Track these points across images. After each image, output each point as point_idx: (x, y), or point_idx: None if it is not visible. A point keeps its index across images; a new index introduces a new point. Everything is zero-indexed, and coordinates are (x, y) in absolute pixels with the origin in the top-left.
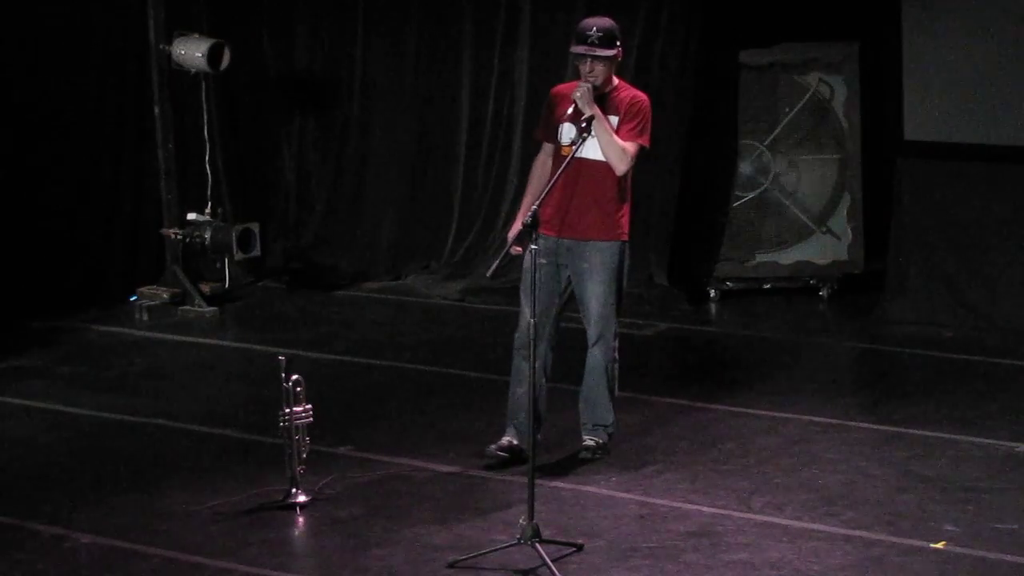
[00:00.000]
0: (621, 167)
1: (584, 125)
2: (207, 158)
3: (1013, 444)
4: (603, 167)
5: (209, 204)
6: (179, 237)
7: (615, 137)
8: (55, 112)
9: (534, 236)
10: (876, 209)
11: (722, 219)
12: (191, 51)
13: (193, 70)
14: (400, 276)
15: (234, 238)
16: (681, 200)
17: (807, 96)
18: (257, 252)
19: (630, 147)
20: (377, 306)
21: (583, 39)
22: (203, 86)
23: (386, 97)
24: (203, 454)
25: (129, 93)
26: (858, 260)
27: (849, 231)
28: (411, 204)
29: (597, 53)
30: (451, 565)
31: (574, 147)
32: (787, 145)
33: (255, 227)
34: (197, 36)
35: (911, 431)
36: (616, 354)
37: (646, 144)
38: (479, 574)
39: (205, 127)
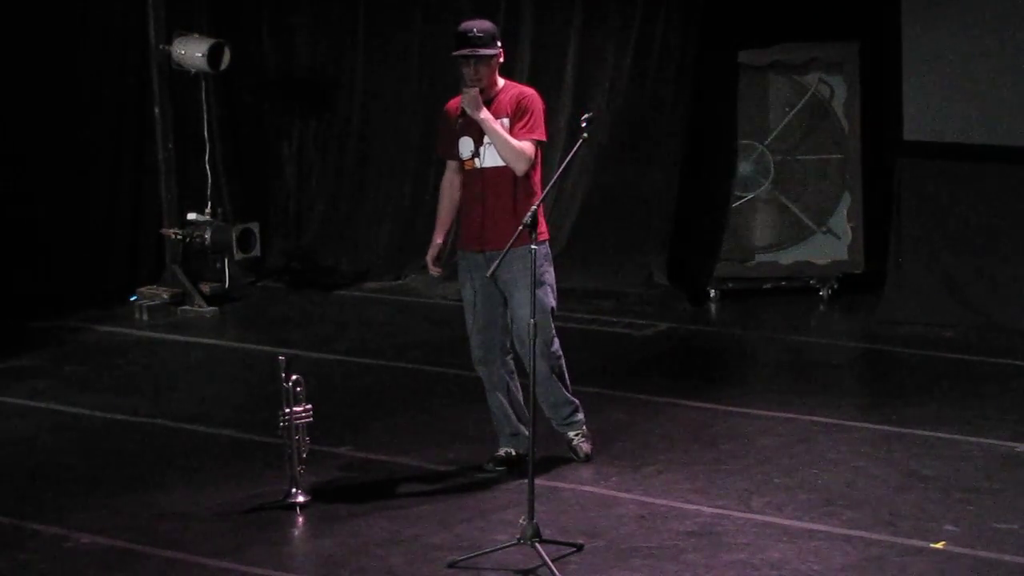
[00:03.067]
0: (521, 167)
1: (584, 125)
2: (207, 158)
3: (1013, 444)
4: (507, 172)
5: (209, 204)
6: (179, 237)
7: (509, 139)
8: (55, 112)
9: (534, 236)
10: (876, 209)
11: (722, 219)
12: (191, 51)
13: (193, 70)
14: (400, 276)
15: (234, 238)
16: (681, 200)
17: (807, 96)
18: (257, 252)
19: (526, 146)
20: (377, 306)
21: (464, 41)
22: (203, 86)
23: (386, 97)
24: (203, 454)
25: (129, 93)
26: (858, 260)
27: (849, 231)
28: (411, 204)
29: (479, 53)
30: (451, 565)
31: (476, 159)
32: (787, 145)
33: (255, 227)
34: (197, 36)
35: (911, 431)
36: (558, 351)
37: (541, 138)
38: (479, 574)
39: (205, 127)
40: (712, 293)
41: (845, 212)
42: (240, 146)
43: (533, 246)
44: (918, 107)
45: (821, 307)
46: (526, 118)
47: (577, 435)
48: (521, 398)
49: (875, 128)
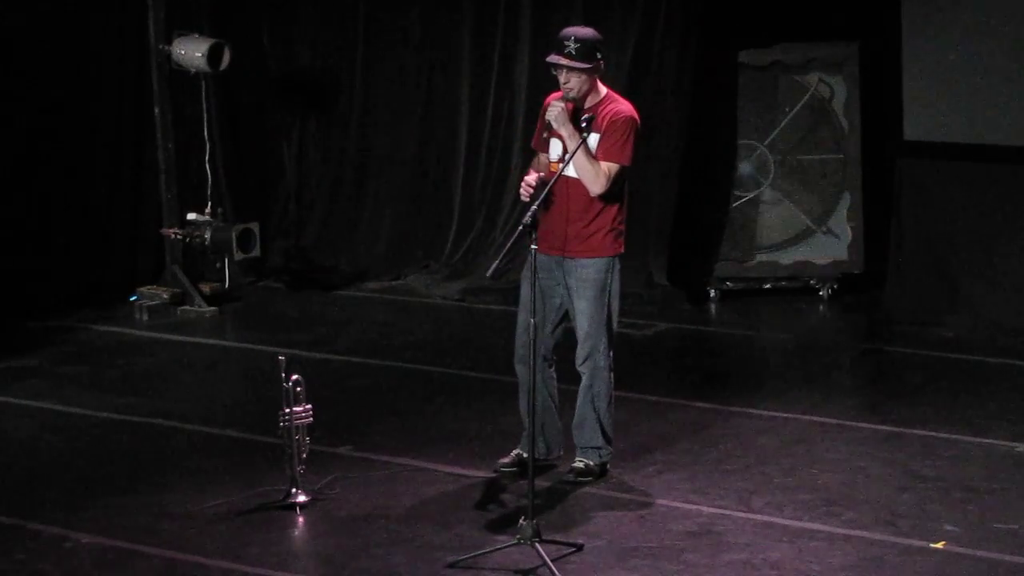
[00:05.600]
0: (595, 189)
1: (584, 125)
2: (207, 158)
3: (1013, 444)
4: (583, 186)
5: (209, 204)
6: (179, 237)
7: (588, 161)
8: (55, 112)
9: (534, 236)
10: (876, 209)
11: (722, 219)
12: (191, 51)
13: (193, 70)
14: (400, 276)
15: (234, 238)
16: (681, 200)
17: (807, 96)
18: (257, 252)
19: (604, 168)
20: (377, 306)
21: (559, 47)
22: (203, 86)
23: (386, 97)
24: (203, 454)
25: (129, 93)
26: (858, 260)
27: (849, 231)
28: (411, 204)
29: (570, 64)
30: (451, 565)
31: (560, 164)
32: (787, 145)
33: (255, 227)
34: (197, 36)
35: (911, 431)
36: (609, 373)
37: (624, 163)
38: (479, 574)
39: (205, 127)
40: (712, 293)
41: (845, 212)
42: (240, 146)
43: (533, 246)
44: (918, 107)
45: (821, 307)
46: (612, 139)
47: (581, 463)
48: (554, 410)
49: (875, 128)
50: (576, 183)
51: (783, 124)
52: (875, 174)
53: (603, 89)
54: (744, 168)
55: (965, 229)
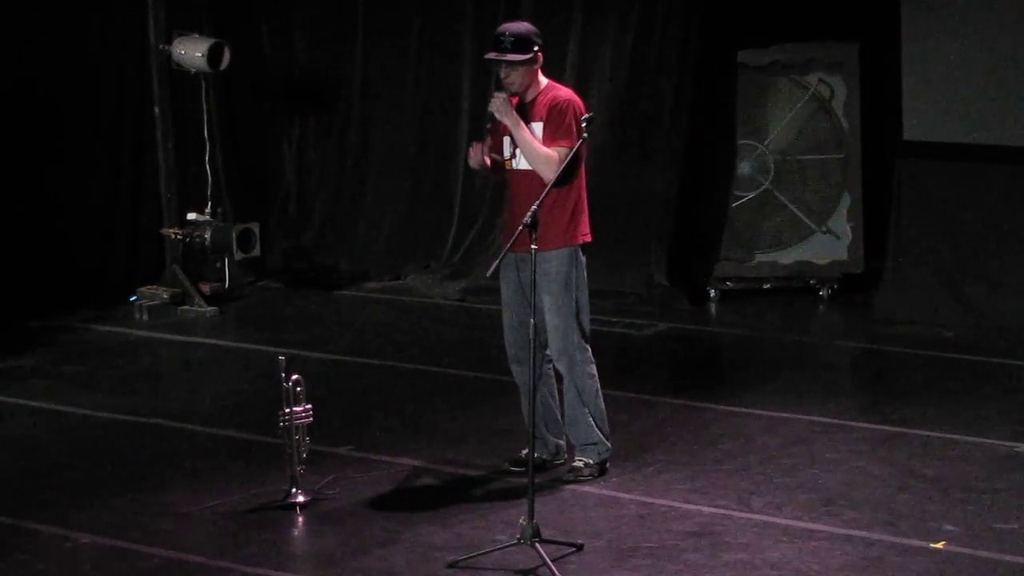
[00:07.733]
0: (547, 174)
1: (585, 125)
2: (207, 158)
3: (1013, 444)
4: (538, 176)
5: (209, 204)
6: (179, 237)
7: (535, 146)
8: (55, 112)
9: (534, 236)
10: (876, 209)
11: (722, 219)
12: (191, 51)
13: (193, 70)
14: (400, 276)
15: (234, 238)
16: (681, 200)
17: (807, 96)
18: (257, 252)
19: (553, 153)
20: (377, 306)
21: (496, 44)
22: (203, 86)
23: (386, 97)
24: (203, 454)
25: (129, 93)
26: (858, 260)
27: (849, 231)
28: (411, 204)
29: (508, 58)
30: (451, 565)
31: (512, 160)
32: (787, 145)
33: (255, 227)
34: (197, 36)
35: (911, 431)
36: (590, 366)
37: (569, 145)
38: (479, 574)
39: (205, 127)
40: (712, 293)
41: (845, 212)
42: (240, 146)
43: (533, 246)
44: (918, 107)
45: (821, 307)
46: (557, 124)
47: (580, 461)
48: (556, 408)
49: (875, 128)
50: (527, 177)
51: (783, 124)
52: (875, 174)
53: (543, 80)
54: (744, 168)
55: (965, 229)
